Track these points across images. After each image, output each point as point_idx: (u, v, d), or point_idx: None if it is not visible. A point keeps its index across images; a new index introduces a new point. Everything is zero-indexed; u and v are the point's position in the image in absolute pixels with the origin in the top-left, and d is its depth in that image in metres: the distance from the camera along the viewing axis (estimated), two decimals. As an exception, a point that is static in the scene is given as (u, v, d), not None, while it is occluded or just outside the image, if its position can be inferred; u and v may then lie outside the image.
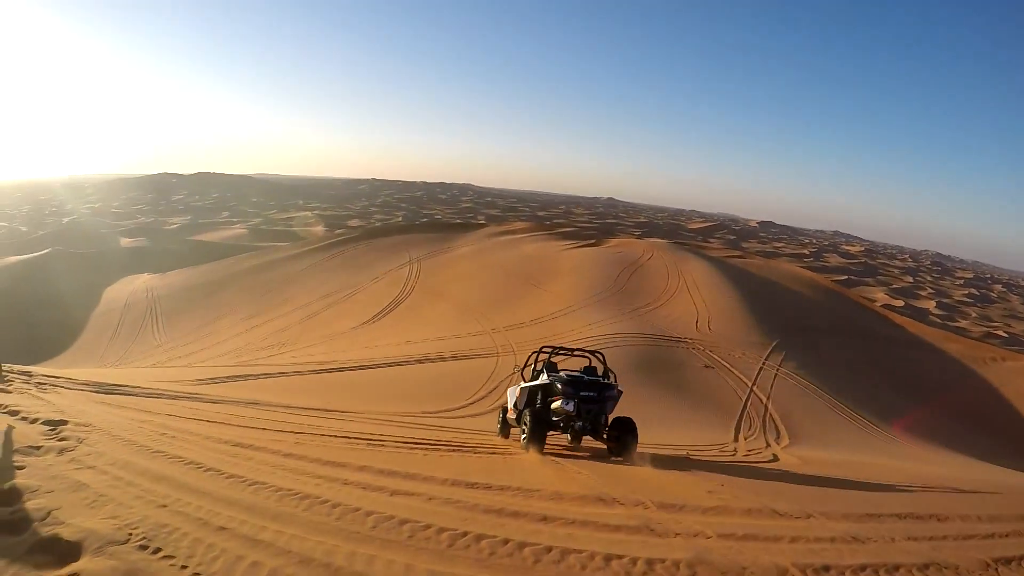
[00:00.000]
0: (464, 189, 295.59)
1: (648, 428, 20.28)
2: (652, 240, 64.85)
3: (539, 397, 11.72)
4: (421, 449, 10.96)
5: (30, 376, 14.70)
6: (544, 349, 13.29)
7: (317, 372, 27.42)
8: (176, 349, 43.65)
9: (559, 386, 11.09)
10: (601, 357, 13.11)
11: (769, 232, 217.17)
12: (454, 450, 11.30)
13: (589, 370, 12.44)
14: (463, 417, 20.13)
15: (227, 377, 24.81)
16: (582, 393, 10.93)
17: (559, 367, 12.35)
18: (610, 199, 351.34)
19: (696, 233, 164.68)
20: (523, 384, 12.43)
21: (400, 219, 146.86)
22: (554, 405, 11.23)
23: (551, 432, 11.41)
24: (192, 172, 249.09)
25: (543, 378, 11.76)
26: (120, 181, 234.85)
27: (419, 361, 29.05)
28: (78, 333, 53.01)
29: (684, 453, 14.21)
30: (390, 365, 28.48)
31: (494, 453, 11.38)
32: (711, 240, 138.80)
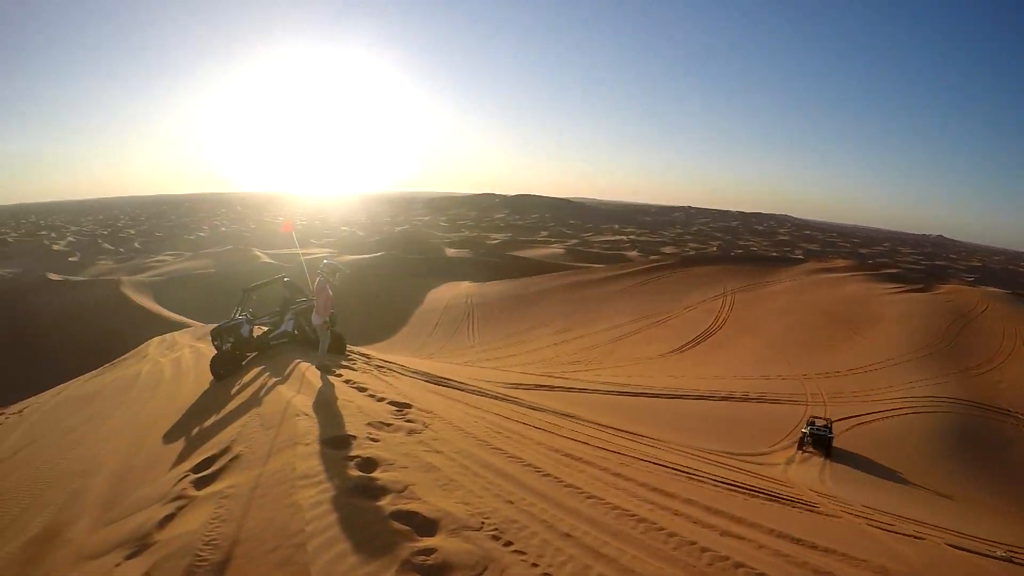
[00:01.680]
0: (781, 220, 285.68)
1: (950, 508, 18.66)
2: (987, 289, 58.33)
3: (806, 434, 22.92)
4: (741, 493, 11.12)
5: (368, 358, 16.58)
6: (812, 417, 24.86)
7: (622, 393, 27.58)
8: (486, 352, 45.92)
9: (809, 430, 22.79)
10: (829, 422, 24.02)
11: None
12: (772, 499, 11.39)
13: (825, 427, 23.25)
14: (764, 464, 19.61)
15: (535, 385, 25.61)
16: (815, 432, 22.55)
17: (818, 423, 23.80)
18: (939, 237, 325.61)
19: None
20: (803, 429, 23.49)
21: (715, 249, 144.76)
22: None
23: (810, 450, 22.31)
24: (513, 193, 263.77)
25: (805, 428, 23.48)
26: (447, 198, 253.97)
27: (724, 398, 28.49)
28: (401, 325, 58.53)
29: (1003, 551, 13.09)
30: (696, 397, 28.17)
31: (811, 510, 11.37)
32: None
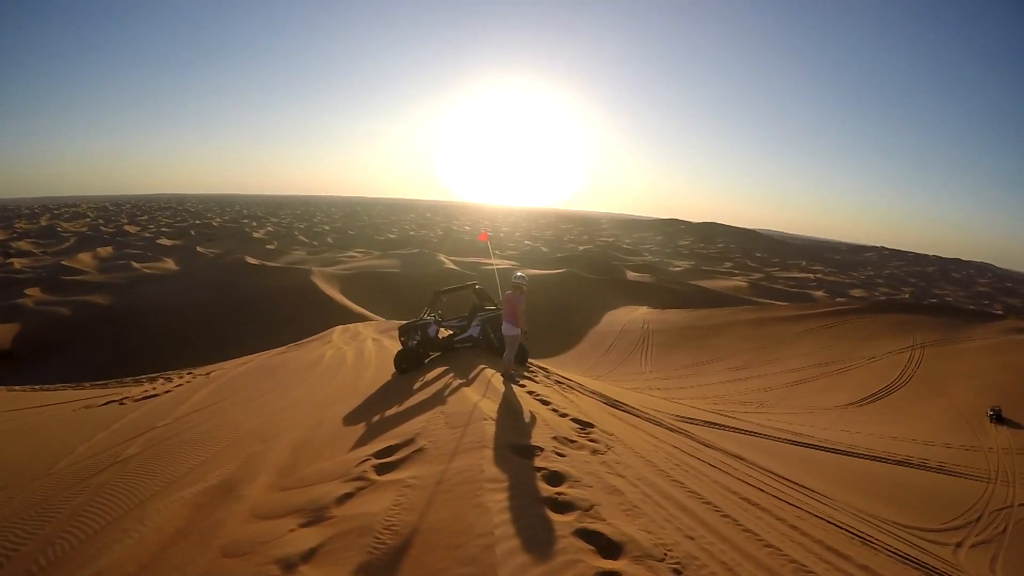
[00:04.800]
0: (982, 269, 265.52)
1: None
2: None
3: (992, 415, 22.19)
4: (913, 568, 10.50)
5: (547, 372, 16.75)
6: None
7: (794, 442, 26.38)
8: (657, 381, 45.17)
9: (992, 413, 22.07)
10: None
11: None
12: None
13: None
14: (934, 542, 17.64)
15: (703, 421, 24.83)
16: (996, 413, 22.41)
17: None
18: None
19: None
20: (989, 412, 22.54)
21: (907, 296, 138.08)
22: None
23: None
24: (700, 221, 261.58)
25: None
26: (633, 222, 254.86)
27: (899, 462, 26.26)
28: (575, 343, 59.58)
29: None
30: (869, 457, 26.37)
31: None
32: None
